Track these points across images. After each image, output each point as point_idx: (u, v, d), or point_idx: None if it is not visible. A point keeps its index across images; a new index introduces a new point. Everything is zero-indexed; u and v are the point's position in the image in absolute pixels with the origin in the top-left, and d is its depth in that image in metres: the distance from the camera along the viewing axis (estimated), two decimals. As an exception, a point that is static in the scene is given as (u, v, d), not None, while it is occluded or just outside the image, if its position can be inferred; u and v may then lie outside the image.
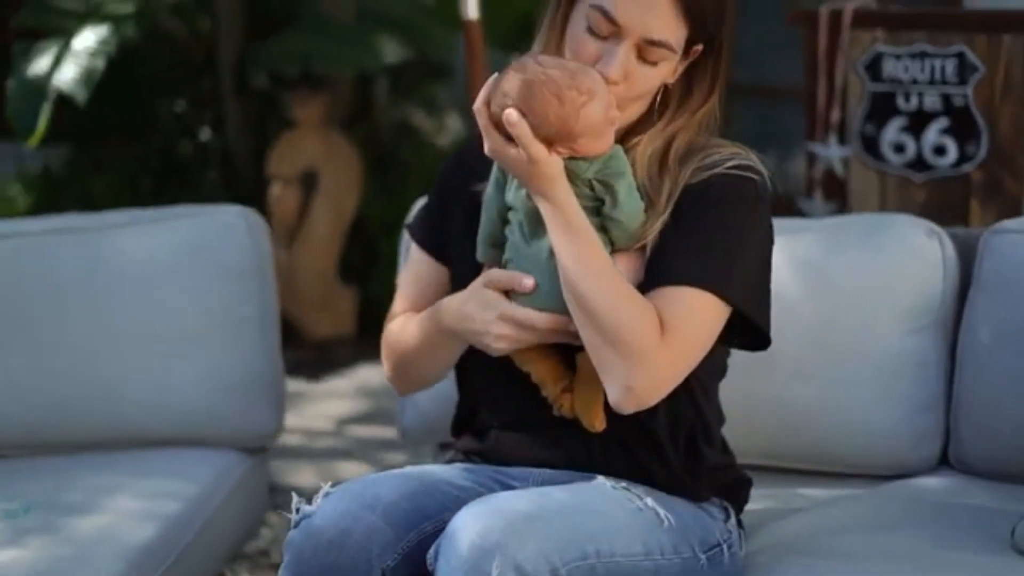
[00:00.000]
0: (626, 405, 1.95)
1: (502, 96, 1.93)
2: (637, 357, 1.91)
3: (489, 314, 1.99)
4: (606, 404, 2.00)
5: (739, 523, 2.20)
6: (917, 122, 3.52)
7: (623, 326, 1.91)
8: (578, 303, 1.93)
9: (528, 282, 1.98)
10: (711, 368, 2.13)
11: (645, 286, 1.99)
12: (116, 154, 5.29)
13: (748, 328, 2.07)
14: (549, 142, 1.92)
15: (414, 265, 2.24)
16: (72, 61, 4.39)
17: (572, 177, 1.96)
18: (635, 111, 2.04)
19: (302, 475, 3.86)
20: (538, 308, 1.97)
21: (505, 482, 2.10)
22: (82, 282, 2.64)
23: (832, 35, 3.63)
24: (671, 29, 1.96)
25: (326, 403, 4.42)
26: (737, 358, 2.34)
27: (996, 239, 2.48)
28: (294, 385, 4.66)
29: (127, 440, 2.66)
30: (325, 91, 4.74)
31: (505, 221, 2.05)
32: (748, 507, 2.28)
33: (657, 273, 1.99)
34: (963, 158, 3.44)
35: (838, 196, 3.72)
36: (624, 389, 1.93)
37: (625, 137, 2.05)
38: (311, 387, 4.61)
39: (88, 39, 4.44)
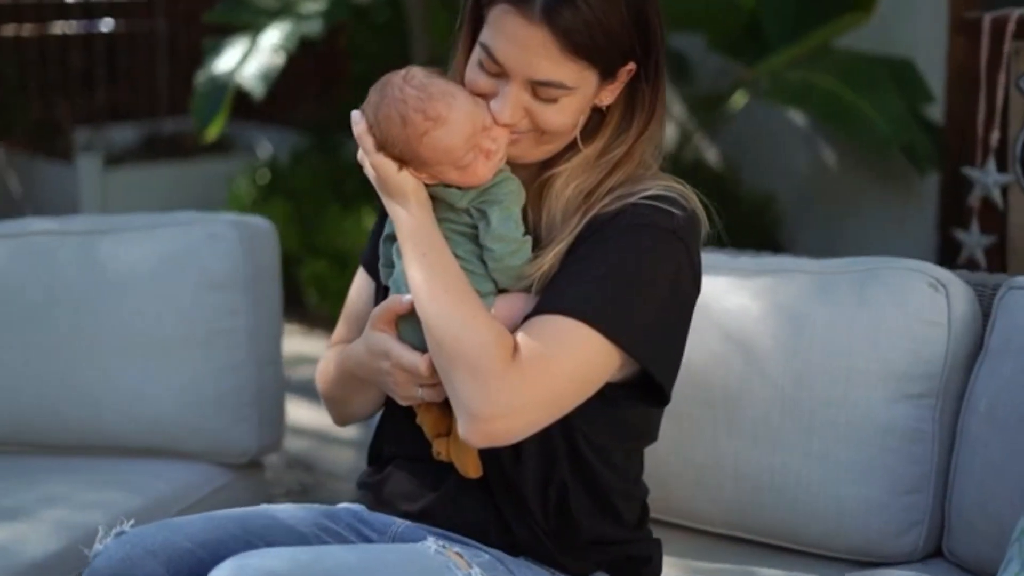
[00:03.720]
0: (473, 436, 1.76)
1: (365, 104, 1.85)
2: (479, 379, 1.73)
3: (383, 362, 1.87)
4: (487, 453, 1.85)
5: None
6: (1082, 148, 3.08)
7: (464, 345, 1.74)
8: (425, 323, 1.79)
9: (405, 299, 1.84)
10: (611, 427, 1.90)
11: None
12: (343, 147, 5.34)
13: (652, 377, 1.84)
14: (401, 160, 1.82)
15: (355, 285, 2.12)
16: (255, 57, 4.44)
17: (449, 206, 1.85)
18: (562, 143, 1.87)
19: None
20: (418, 339, 1.83)
21: (363, 532, 1.96)
22: (76, 285, 2.61)
23: (995, 47, 3.22)
24: (559, 68, 1.78)
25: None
26: (699, 412, 2.09)
27: (1010, 297, 2.10)
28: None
29: (106, 447, 2.62)
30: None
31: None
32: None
33: (537, 304, 1.81)
34: None
35: (997, 228, 3.30)
36: (467, 416, 1.75)
37: (548, 165, 1.89)
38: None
39: (273, 36, 4.48)
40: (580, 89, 1.79)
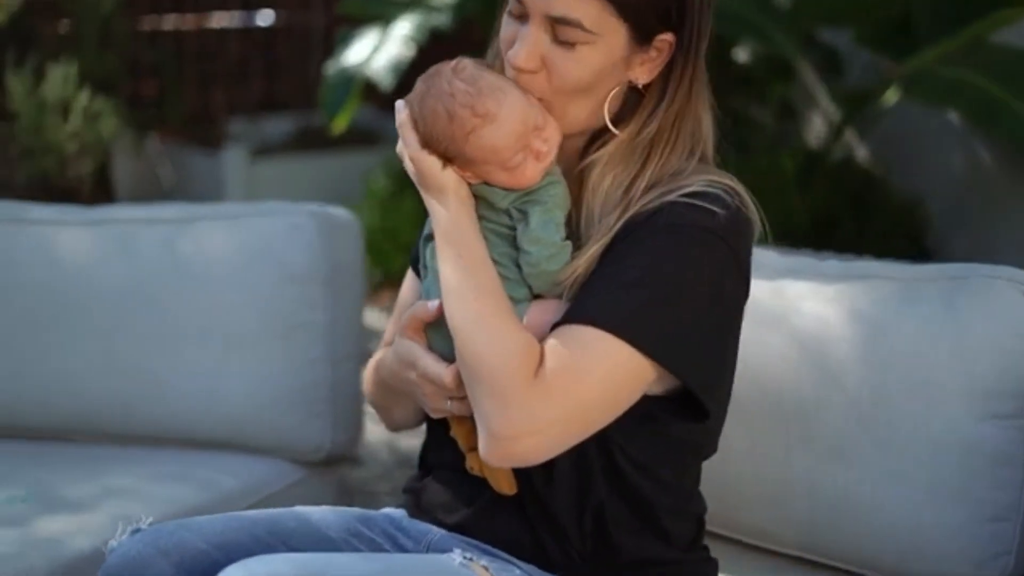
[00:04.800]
0: (493, 455, 1.66)
1: (411, 95, 1.76)
2: (498, 396, 1.63)
3: (411, 373, 1.78)
4: (519, 471, 1.75)
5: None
6: None
7: (486, 358, 1.64)
8: (452, 331, 1.69)
9: (432, 305, 1.75)
10: (654, 443, 1.77)
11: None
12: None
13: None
14: (446, 158, 1.72)
15: (405, 285, 2.04)
16: (385, 48, 4.40)
17: (489, 205, 1.74)
18: (579, 112, 1.74)
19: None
20: (448, 348, 1.73)
21: (398, 539, 1.87)
22: (155, 274, 2.57)
23: None
24: (578, 4, 1.67)
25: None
26: (771, 425, 1.96)
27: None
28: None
29: (177, 439, 2.58)
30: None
31: None
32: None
33: (565, 313, 1.70)
34: None
35: None
36: (487, 434, 1.65)
37: (584, 155, 1.78)
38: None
39: (404, 27, 4.44)
40: (602, 39, 1.68)
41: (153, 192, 6.42)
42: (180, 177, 6.41)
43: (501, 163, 1.69)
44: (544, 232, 1.70)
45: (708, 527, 2.10)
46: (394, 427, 2.02)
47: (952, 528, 1.97)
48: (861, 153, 5.02)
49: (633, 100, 1.76)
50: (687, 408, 1.74)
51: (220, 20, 6.89)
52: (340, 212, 2.63)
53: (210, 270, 2.56)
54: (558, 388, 1.63)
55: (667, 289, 1.66)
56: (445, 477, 1.87)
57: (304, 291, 2.54)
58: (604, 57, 1.70)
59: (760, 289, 2.13)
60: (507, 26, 1.73)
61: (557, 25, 1.67)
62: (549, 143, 1.69)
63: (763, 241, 1.77)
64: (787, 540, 2.10)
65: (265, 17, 6.97)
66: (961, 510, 1.97)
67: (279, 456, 2.57)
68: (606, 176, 1.74)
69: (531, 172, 1.70)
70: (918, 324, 2.00)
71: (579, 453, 1.71)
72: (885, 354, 2.01)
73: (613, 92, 1.74)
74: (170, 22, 6.78)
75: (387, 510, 1.94)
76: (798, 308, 2.09)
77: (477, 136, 1.67)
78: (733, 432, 2.06)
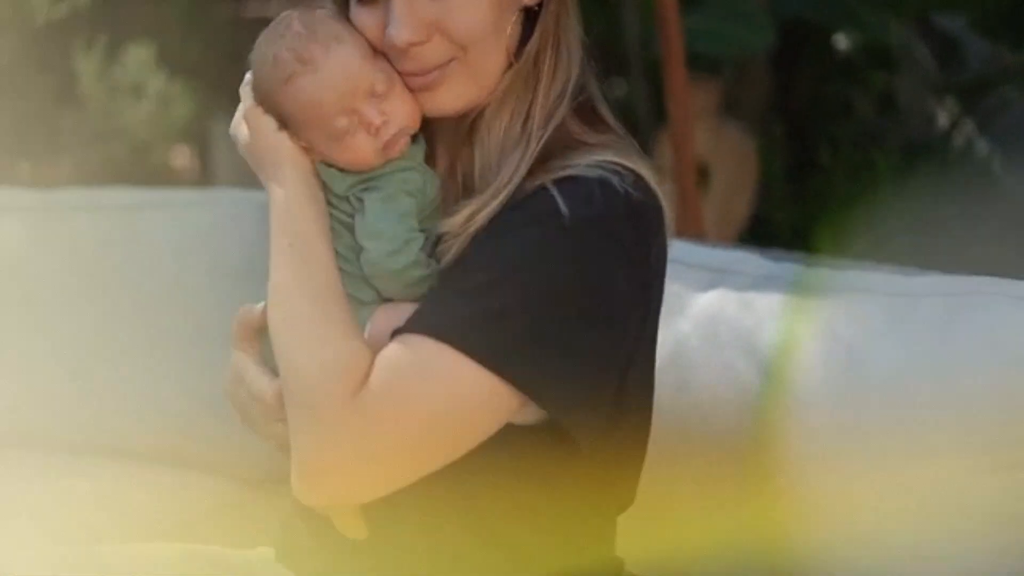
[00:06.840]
0: (304, 493, 1.40)
1: None
2: (308, 418, 1.37)
3: (242, 390, 1.52)
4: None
5: None
6: None
7: (297, 370, 1.39)
8: (271, 334, 1.44)
9: (257, 308, 1.51)
10: (524, 482, 1.46)
11: None
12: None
13: None
14: (282, 122, 1.47)
15: None
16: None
17: (329, 192, 1.48)
18: (495, 58, 1.45)
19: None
20: None
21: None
22: (97, 266, 2.37)
23: None
24: None
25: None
26: (717, 470, 1.66)
27: None
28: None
29: (112, 447, 2.34)
30: (719, 77, 4.13)
31: None
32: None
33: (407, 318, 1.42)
34: None
35: None
36: (294, 464, 1.39)
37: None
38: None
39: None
40: None
41: (250, 180, 6.29)
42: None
43: (323, 126, 1.44)
44: (382, 223, 1.43)
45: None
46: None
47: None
48: (972, 150, 4.61)
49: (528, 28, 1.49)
50: (564, 441, 1.41)
51: (329, 7, 6.75)
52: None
53: (146, 263, 2.36)
54: (380, 412, 1.35)
55: (527, 293, 1.37)
56: (306, 518, 1.58)
57: (246, 287, 2.26)
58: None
59: (728, 301, 1.83)
60: (362, 15, 1.44)
61: None
62: (388, 117, 1.43)
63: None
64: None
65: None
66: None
67: (219, 473, 2.32)
68: (502, 112, 1.46)
69: (363, 147, 1.44)
70: (903, 349, 1.65)
71: (424, 489, 1.41)
72: (859, 388, 1.65)
73: (511, 27, 1.46)
74: (275, 9, 6.64)
75: (260, 550, 1.67)
76: (766, 325, 1.75)
77: (294, 86, 1.43)
78: (678, 474, 1.75)
